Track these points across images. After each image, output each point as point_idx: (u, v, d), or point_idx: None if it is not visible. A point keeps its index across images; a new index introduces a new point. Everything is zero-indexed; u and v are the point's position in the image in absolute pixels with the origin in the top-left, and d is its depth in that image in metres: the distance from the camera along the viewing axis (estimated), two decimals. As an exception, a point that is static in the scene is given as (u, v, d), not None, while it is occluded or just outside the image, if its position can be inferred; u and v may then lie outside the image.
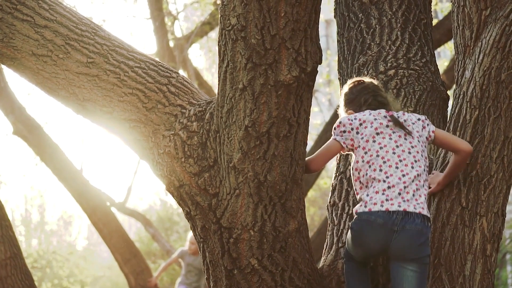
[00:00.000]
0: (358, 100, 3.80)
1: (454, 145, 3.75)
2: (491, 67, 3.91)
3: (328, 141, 3.74)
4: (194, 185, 3.58)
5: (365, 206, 3.56)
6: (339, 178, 4.18)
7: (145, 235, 20.12)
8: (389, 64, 4.40)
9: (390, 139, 3.65)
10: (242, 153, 3.44)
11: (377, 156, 3.62)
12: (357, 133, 3.66)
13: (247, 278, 3.59)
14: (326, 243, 4.09)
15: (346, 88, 3.90)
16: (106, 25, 15.50)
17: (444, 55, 20.29)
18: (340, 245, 3.96)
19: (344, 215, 4.04)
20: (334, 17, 4.82)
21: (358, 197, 3.67)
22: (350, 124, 3.68)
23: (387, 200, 3.53)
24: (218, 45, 3.47)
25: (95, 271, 25.34)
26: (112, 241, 10.48)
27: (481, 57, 3.96)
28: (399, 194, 3.54)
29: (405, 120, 3.70)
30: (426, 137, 3.71)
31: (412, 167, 3.61)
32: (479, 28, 4.08)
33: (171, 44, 13.31)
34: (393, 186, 3.55)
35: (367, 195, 3.58)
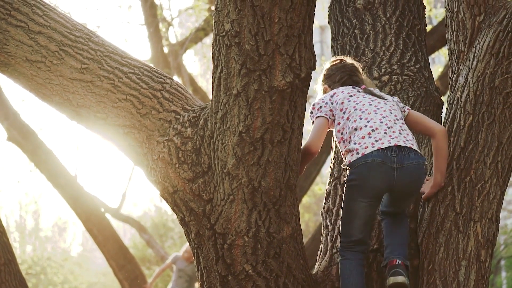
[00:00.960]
0: (334, 77, 3.98)
1: (426, 124, 3.86)
2: (485, 72, 3.92)
3: (314, 124, 3.82)
4: (188, 191, 3.57)
5: (357, 153, 3.64)
6: (333, 184, 4.19)
7: (139, 241, 20.10)
8: (383, 70, 4.40)
9: (364, 97, 3.80)
10: (236, 159, 3.44)
11: (355, 109, 3.74)
12: (332, 102, 3.82)
13: (241, 284, 3.58)
14: (320, 249, 4.09)
15: (328, 64, 4.07)
16: (101, 31, 15.50)
17: (438, 61, 20.33)
18: (334, 251, 3.95)
19: (339, 221, 4.03)
20: (328, 23, 4.82)
21: (344, 151, 3.73)
22: (323, 101, 3.86)
23: (376, 141, 3.63)
24: (212, 51, 3.47)
25: (89, 278, 25.30)
26: (107, 247, 10.47)
27: (475, 63, 3.97)
28: (385, 133, 3.65)
29: (377, 91, 3.88)
30: (401, 110, 3.83)
31: (391, 112, 3.73)
32: (473, 34, 4.09)
33: (166, 50, 13.30)
34: (377, 128, 3.66)
35: (354, 143, 3.66)
